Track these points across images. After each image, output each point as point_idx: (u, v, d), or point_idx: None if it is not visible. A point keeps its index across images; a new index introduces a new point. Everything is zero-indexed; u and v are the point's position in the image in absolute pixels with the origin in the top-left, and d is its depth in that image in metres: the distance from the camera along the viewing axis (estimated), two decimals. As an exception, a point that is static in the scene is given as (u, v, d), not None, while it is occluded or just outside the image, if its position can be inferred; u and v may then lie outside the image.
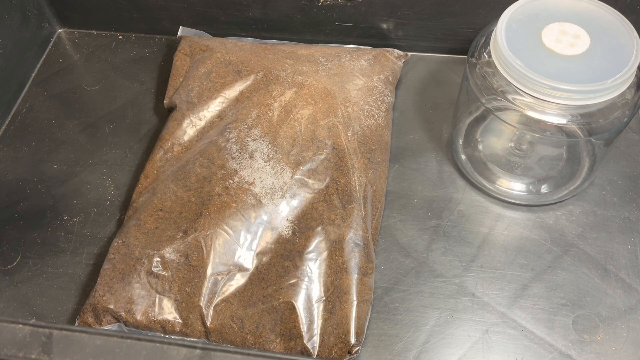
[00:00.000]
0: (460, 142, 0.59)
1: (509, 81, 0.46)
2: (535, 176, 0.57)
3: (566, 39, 0.47)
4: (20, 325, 0.33)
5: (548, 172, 0.57)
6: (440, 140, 0.61)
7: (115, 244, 0.50)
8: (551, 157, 0.58)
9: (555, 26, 0.48)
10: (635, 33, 0.47)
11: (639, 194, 0.56)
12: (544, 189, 0.56)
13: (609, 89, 0.44)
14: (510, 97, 0.48)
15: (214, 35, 0.69)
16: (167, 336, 0.46)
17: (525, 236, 0.54)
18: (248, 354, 0.32)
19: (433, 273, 0.52)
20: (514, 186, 0.56)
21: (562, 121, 0.47)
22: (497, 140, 0.60)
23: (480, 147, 0.59)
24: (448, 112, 0.63)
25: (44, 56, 0.71)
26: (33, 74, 0.69)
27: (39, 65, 0.70)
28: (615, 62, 0.45)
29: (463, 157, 0.58)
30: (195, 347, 0.32)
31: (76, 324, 0.48)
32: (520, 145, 0.58)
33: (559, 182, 0.56)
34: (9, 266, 0.54)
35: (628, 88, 0.46)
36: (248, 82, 0.58)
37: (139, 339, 0.32)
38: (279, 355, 0.35)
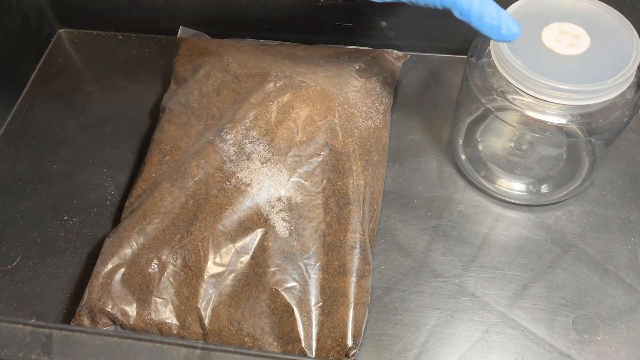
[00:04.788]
0: (460, 142, 0.59)
1: (509, 81, 0.46)
2: (535, 176, 0.57)
3: (566, 39, 0.47)
4: (20, 325, 0.33)
5: (548, 172, 0.57)
6: (440, 140, 0.61)
7: (108, 243, 0.50)
8: (551, 157, 0.58)
9: (555, 26, 0.48)
10: (635, 33, 0.47)
11: (639, 194, 0.56)
12: (544, 189, 0.56)
13: (609, 89, 0.44)
14: (510, 97, 0.48)
15: (214, 35, 0.69)
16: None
17: (525, 236, 0.54)
18: (248, 354, 0.32)
19: (433, 273, 0.52)
20: (514, 186, 0.56)
21: (562, 121, 0.47)
22: (497, 140, 0.60)
23: (480, 147, 0.59)
24: (448, 112, 0.63)
25: (44, 56, 0.71)
26: (33, 74, 0.69)
27: (39, 65, 0.70)
28: (615, 62, 0.45)
29: (463, 157, 0.58)
30: (195, 347, 0.32)
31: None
32: (520, 145, 0.58)
33: (559, 182, 0.56)
34: (9, 266, 0.54)
35: (628, 88, 0.46)
36: (246, 84, 0.58)
37: (139, 339, 0.32)
38: (278, 355, 0.35)
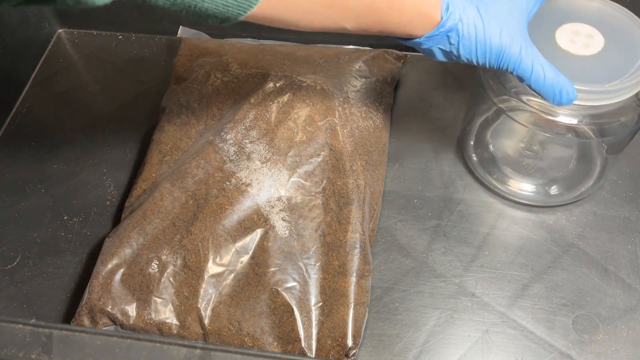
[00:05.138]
0: (472, 143, 0.59)
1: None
2: (546, 177, 0.57)
3: (580, 40, 0.47)
4: (20, 325, 0.33)
5: (559, 174, 0.57)
6: (440, 140, 0.61)
7: (108, 243, 0.50)
8: (562, 158, 0.58)
9: (568, 26, 0.47)
10: None
11: (639, 194, 0.56)
12: (554, 190, 0.56)
13: (622, 90, 0.44)
14: (523, 97, 0.47)
15: (214, 35, 0.69)
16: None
17: (525, 236, 0.54)
18: (248, 354, 0.32)
19: (433, 273, 0.52)
20: (524, 187, 0.56)
21: (574, 121, 0.47)
22: (508, 141, 0.60)
23: (491, 148, 0.59)
24: (448, 112, 0.63)
25: (44, 56, 0.71)
26: (33, 74, 0.69)
27: (39, 65, 0.70)
28: (629, 62, 0.45)
29: (474, 157, 0.58)
30: (195, 347, 0.32)
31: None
32: (531, 146, 0.58)
33: (569, 184, 0.56)
34: (9, 266, 0.54)
35: None
36: (246, 84, 0.58)
37: (138, 339, 0.32)
38: (278, 355, 0.35)
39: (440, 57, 0.44)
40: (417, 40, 0.43)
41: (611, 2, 0.49)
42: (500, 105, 0.50)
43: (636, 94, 0.46)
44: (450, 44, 0.43)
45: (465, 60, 0.44)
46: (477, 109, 0.59)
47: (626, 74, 0.44)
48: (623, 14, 0.48)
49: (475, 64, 0.44)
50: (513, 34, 0.43)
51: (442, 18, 0.41)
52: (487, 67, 0.44)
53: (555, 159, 0.58)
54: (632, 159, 0.59)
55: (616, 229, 0.54)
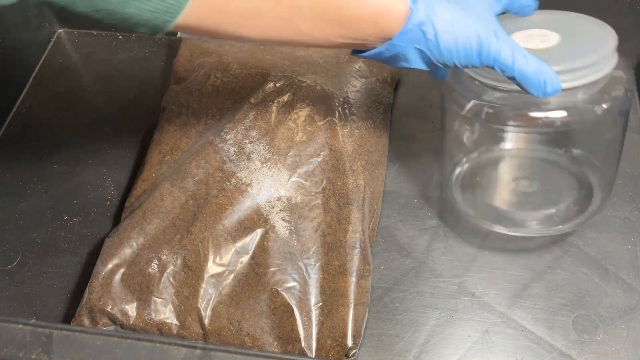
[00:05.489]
0: (460, 198, 0.55)
1: (491, 85, 0.45)
2: (545, 209, 0.54)
3: (535, 39, 0.45)
4: (20, 325, 0.33)
5: (558, 205, 0.54)
6: (440, 140, 0.61)
7: (108, 243, 0.50)
8: (558, 187, 0.56)
9: (520, 33, 0.46)
10: (605, 25, 0.46)
11: (639, 194, 0.56)
12: (557, 220, 0.53)
13: (594, 67, 0.43)
14: (494, 98, 0.46)
15: (214, 35, 0.69)
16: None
17: (525, 236, 0.54)
18: (248, 354, 0.32)
19: (433, 273, 0.52)
20: (526, 223, 0.54)
21: (556, 114, 0.45)
22: (497, 185, 0.57)
23: (482, 198, 0.56)
24: (448, 112, 0.63)
25: (44, 56, 0.71)
26: (33, 74, 0.69)
27: (39, 65, 0.70)
28: (591, 45, 0.44)
29: (471, 213, 0.54)
30: (195, 347, 0.32)
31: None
32: (522, 180, 0.56)
33: (571, 212, 0.53)
34: (9, 266, 0.54)
35: (610, 83, 0.44)
36: (246, 84, 0.58)
37: (138, 339, 0.32)
38: (278, 355, 0.35)
39: (417, 60, 0.40)
40: (390, 42, 0.39)
41: (557, 10, 0.48)
42: (471, 116, 0.48)
43: (606, 89, 0.44)
44: (427, 38, 0.38)
45: (445, 59, 0.40)
46: (452, 159, 0.56)
47: (593, 53, 0.43)
48: (570, 15, 0.48)
49: (453, 64, 0.40)
50: (488, 23, 0.39)
51: (411, 10, 0.37)
52: (469, 65, 0.40)
53: (550, 189, 0.56)
54: (632, 159, 0.59)
55: (616, 229, 0.54)
